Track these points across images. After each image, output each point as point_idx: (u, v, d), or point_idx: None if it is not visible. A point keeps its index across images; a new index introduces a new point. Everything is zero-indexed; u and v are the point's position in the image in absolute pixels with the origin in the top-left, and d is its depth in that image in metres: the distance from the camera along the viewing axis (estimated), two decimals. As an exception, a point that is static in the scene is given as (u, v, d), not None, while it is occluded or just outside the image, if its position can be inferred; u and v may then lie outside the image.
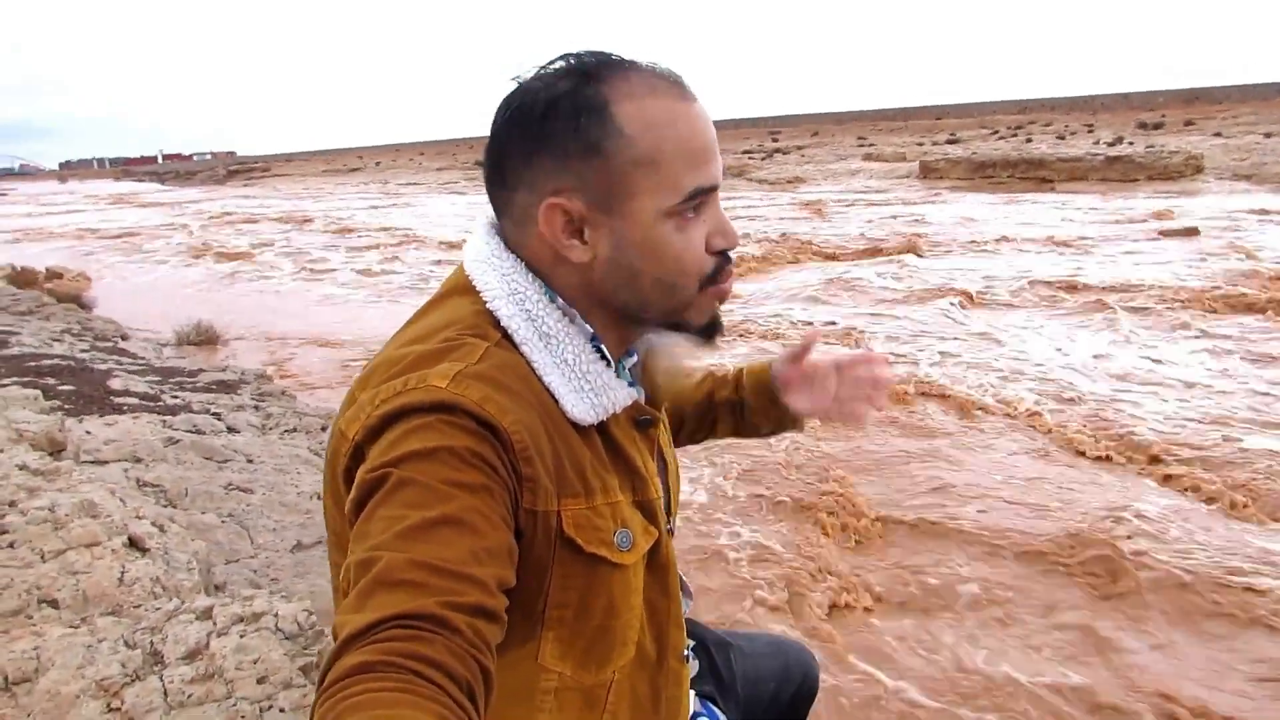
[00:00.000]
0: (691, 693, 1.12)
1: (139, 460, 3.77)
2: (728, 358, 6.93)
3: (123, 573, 1.70)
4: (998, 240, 12.89)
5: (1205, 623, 3.18)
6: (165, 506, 3.27)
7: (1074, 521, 3.90)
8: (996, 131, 46.04)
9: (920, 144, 39.39)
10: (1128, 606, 3.30)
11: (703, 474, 4.67)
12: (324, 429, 5.20)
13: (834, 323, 8.15)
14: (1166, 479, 4.41)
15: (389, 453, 0.76)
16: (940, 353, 6.94)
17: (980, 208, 17.49)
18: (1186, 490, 4.28)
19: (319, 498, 3.73)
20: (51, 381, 5.19)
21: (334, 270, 14.34)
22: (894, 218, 16.35)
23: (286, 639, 1.38)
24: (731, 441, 5.09)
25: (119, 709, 1.25)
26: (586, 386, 0.88)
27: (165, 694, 1.28)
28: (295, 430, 5.09)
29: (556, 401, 0.86)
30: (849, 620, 3.33)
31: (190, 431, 4.41)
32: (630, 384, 0.98)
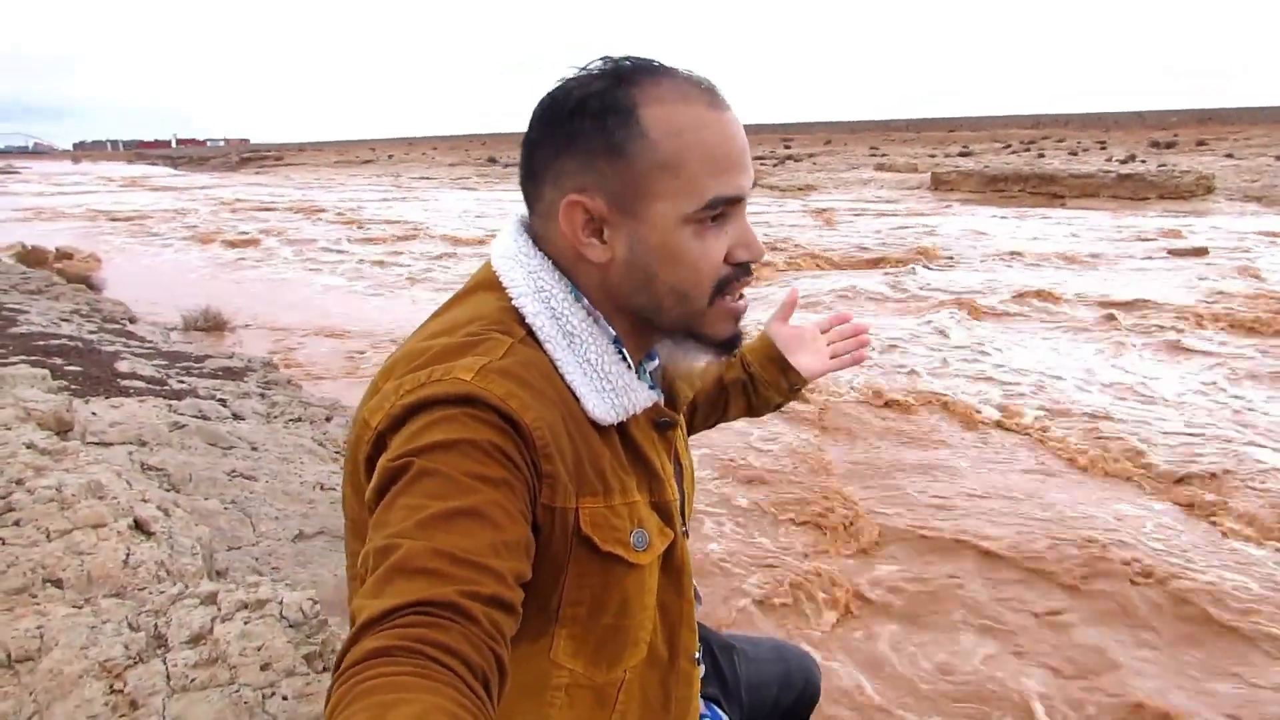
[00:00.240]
0: (696, 695, 1.13)
1: (144, 443, 3.78)
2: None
3: (128, 555, 1.71)
4: (1007, 254, 12.88)
5: (1202, 638, 3.17)
6: (168, 491, 3.27)
7: (1072, 534, 3.91)
8: (1009, 145, 45.97)
9: (933, 155, 39.36)
10: (1124, 618, 3.30)
11: (702, 480, 4.67)
12: (329, 419, 5.21)
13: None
14: (1167, 495, 4.42)
15: (412, 442, 0.77)
16: (944, 362, 6.94)
17: (990, 221, 17.46)
18: (1187, 506, 4.28)
19: (322, 488, 3.74)
20: (59, 361, 5.21)
21: (343, 261, 14.37)
22: (904, 228, 16.33)
23: (291, 627, 1.38)
24: (731, 446, 5.11)
25: (121, 690, 1.26)
26: (608, 387, 0.89)
27: (168, 677, 1.28)
28: (300, 420, 5.10)
29: (578, 400, 0.87)
30: (845, 627, 3.33)
31: (196, 417, 4.42)
32: (651, 387, 0.98)
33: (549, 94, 0.90)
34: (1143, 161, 28.38)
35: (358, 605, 0.68)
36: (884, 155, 41.33)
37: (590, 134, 0.86)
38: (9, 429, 2.54)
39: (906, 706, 2.86)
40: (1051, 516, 4.14)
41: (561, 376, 0.87)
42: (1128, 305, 8.97)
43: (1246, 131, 47.14)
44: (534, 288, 0.89)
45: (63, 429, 2.95)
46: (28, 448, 2.27)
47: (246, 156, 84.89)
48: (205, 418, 4.50)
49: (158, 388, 5.03)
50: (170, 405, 4.49)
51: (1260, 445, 5.00)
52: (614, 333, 0.92)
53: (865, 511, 4.25)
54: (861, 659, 3.11)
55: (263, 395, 5.58)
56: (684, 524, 1.03)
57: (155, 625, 1.41)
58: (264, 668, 1.27)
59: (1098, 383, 6.37)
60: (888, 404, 5.92)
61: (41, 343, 5.82)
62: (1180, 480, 4.55)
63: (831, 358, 1.31)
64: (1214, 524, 4.08)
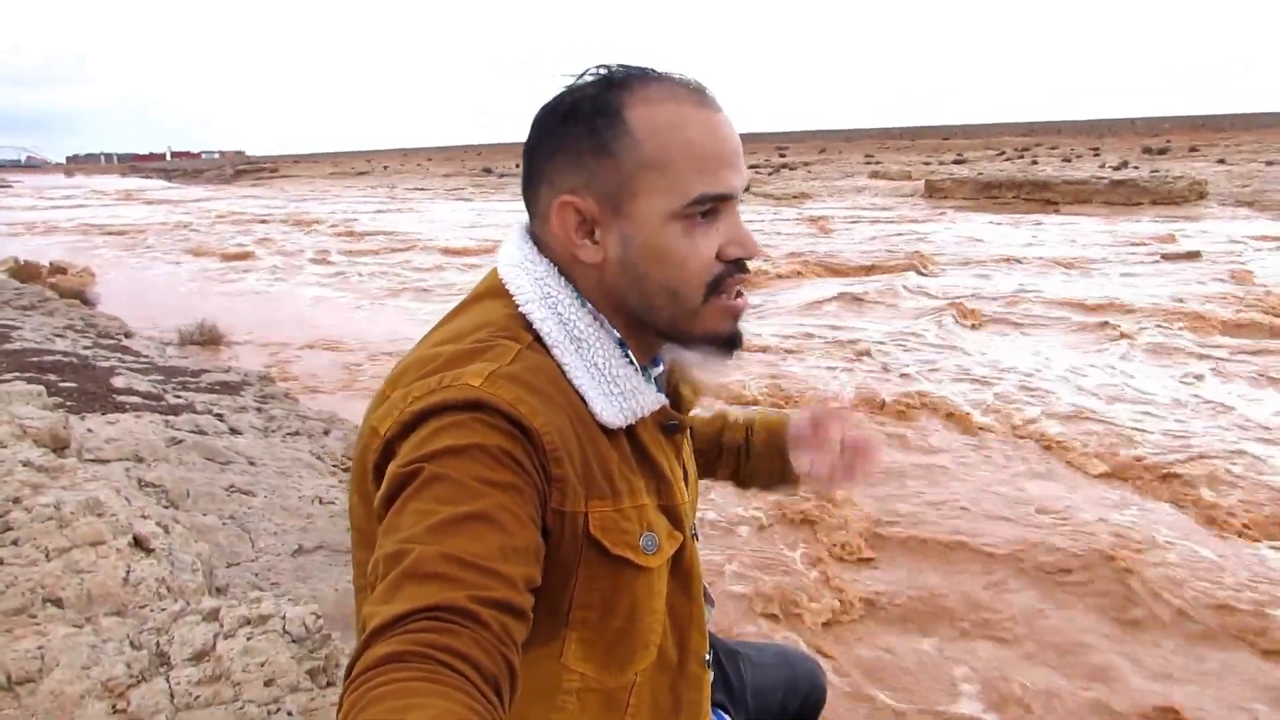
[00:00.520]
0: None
1: (141, 460, 3.76)
2: (737, 371, 6.93)
3: (128, 572, 1.70)
4: (1001, 260, 12.93)
5: (1209, 641, 3.17)
6: (167, 507, 3.26)
7: (1071, 535, 3.92)
8: (1003, 153, 46.20)
9: (927, 163, 39.52)
10: (1129, 622, 3.30)
11: (702, 484, 4.66)
12: (326, 433, 5.19)
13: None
14: (1164, 495, 4.44)
15: (421, 448, 0.77)
16: (940, 369, 6.95)
17: (984, 228, 17.53)
18: (1183, 505, 4.30)
19: (321, 502, 3.73)
20: (54, 378, 5.19)
21: (337, 273, 14.37)
22: (899, 235, 16.38)
23: (294, 642, 1.38)
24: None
25: (124, 710, 1.25)
26: (615, 390, 0.89)
27: (172, 695, 1.28)
28: (298, 434, 5.09)
29: (586, 404, 0.87)
30: (845, 633, 3.33)
31: (193, 432, 4.41)
32: (657, 390, 0.99)
33: (545, 102, 0.92)
34: (1135, 168, 28.55)
35: (369, 611, 0.68)
36: (878, 163, 41.49)
37: (580, 136, 0.88)
38: (5, 446, 2.53)
39: (908, 708, 2.85)
40: (1049, 518, 4.15)
41: (569, 381, 0.87)
42: (1121, 309, 9.01)
43: (1238, 137, 47.46)
44: (541, 294, 0.90)
45: (59, 446, 2.94)
46: (24, 465, 2.26)
47: (241, 169, 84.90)
48: (202, 433, 4.48)
49: (154, 403, 5.01)
50: (167, 421, 4.48)
51: (1255, 444, 5.02)
52: (618, 335, 0.92)
53: (863, 515, 4.25)
54: (862, 663, 3.11)
55: (260, 409, 5.57)
56: (692, 528, 1.03)
57: (157, 643, 1.40)
58: (268, 684, 1.26)
59: (1092, 385, 6.39)
60: (883, 409, 5.93)
61: (36, 359, 5.80)
62: (1176, 479, 4.56)
63: (836, 473, 1.21)
64: (1211, 523, 4.10)
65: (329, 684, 1.36)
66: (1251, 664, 3.04)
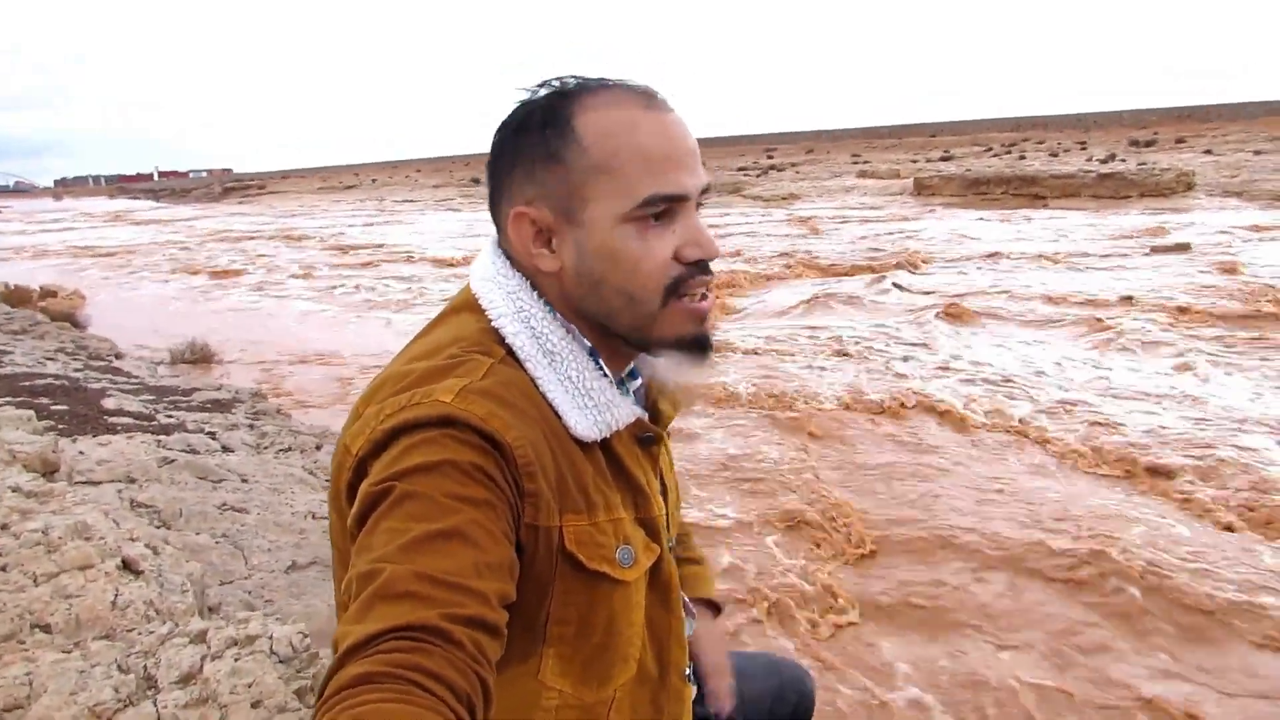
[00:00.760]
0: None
1: (133, 481, 3.75)
2: (731, 369, 6.94)
3: (116, 595, 1.69)
4: (990, 256, 12.96)
5: (1204, 637, 3.17)
6: (159, 528, 3.25)
7: (1067, 531, 3.92)
8: (990, 149, 46.36)
9: (915, 161, 39.63)
10: (1125, 617, 3.30)
11: (697, 489, 4.66)
12: (319, 448, 5.18)
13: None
14: (1158, 489, 4.43)
15: (393, 466, 0.77)
16: (933, 367, 6.96)
17: (974, 224, 17.57)
18: (1179, 499, 4.29)
19: (314, 517, 3.72)
20: (45, 401, 5.17)
21: (328, 288, 14.34)
22: (888, 234, 16.42)
23: (281, 662, 1.37)
24: (730, 454, 5.12)
25: (112, 735, 1.25)
26: (589, 403, 0.89)
27: (159, 719, 1.27)
28: (290, 449, 5.08)
29: (560, 418, 0.87)
30: (840, 635, 3.32)
31: (185, 451, 4.40)
32: (634, 403, 0.99)
33: (504, 118, 0.93)
34: (1123, 160, 28.66)
35: (341, 631, 0.68)
36: (866, 162, 41.60)
37: (533, 147, 0.89)
38: (-6, 472, 2.52)
39: (910, 712, 2.85)
40: (1044, 515, 4.15)
41: (543, 394, 0.88)
42: (1111, 303, 9.04)
43: (1225, 128, 47.69)
44: (513, 308, 0.90)
45: (49, 470, 2.93)
46: (13, 491, 2.25)
47: (230, 186, 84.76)
48: (194, 451, 4.47)
49: (145, 423, 5.00)
50: (159, 441, 4.47)
51: (1249, 437, 5.03)
52: (589, 344, 0.92)
53: (859, 517, 4.25)
54: (864, 666, 3.11)
55: (251, 426, 5.56)
56: (670, 540, 1.03)
57: (145, 666, 1.40)
58: (255, 705, 1.26)
59: (1084, 380, 6.41)
60: (876, 408, 5.93)
61: (27, 383, 5.78)
62: (1171, 473, 4.57)
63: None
64: (1207, 516, 4.10)
65: (319, 702, 1.36)
66: (1248, 657, 3.03)
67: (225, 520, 3.54)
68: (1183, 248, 12.35)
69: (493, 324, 0.90)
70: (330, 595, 2.83)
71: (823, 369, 7.10)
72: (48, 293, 13.01)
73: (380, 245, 20.63)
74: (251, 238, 25.71)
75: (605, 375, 0.93)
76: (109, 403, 5.45)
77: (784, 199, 27.93)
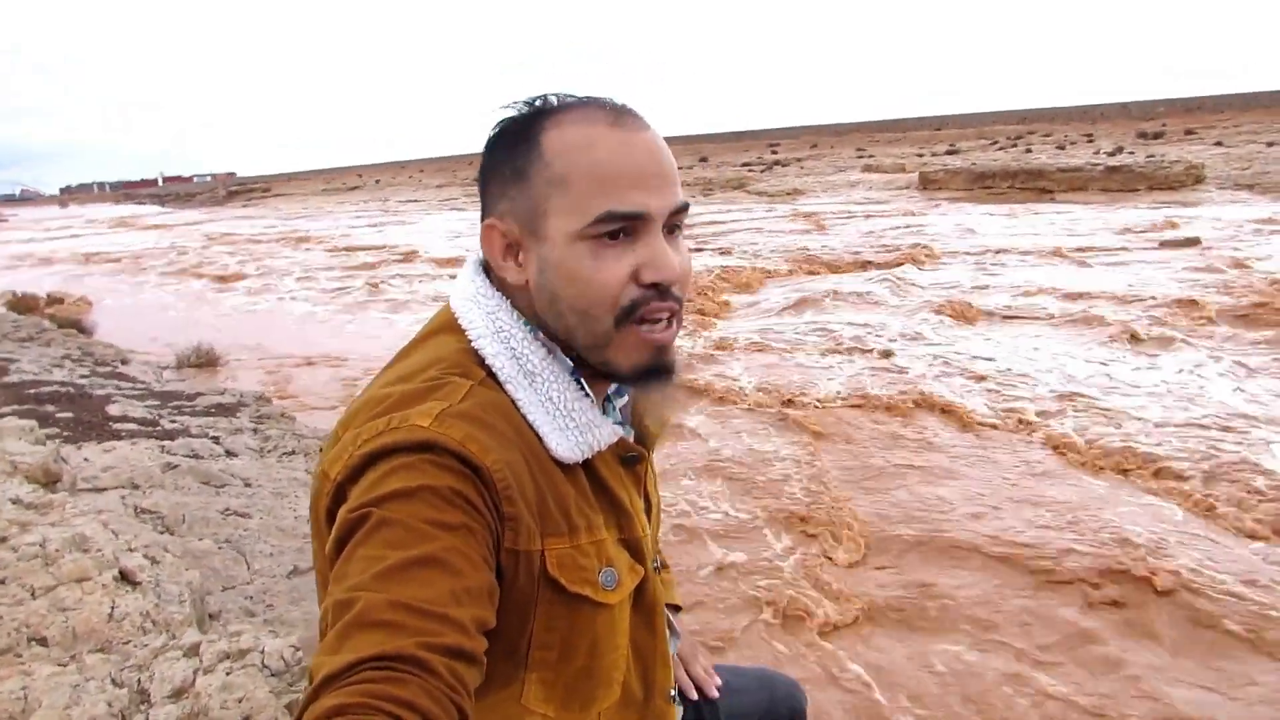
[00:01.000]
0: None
1: (136, 487, 3.76)
2: (735, 366, 6.92)
3: (112, 608, 1.69)
4: (997, 251, 12.90)
5: (1214, 642, 3.13)
6: (162, 534, 3.26)
7: (1075, 536, 3.88)
8: (996, 142, 46.15)
9: (920, 155, 39.50)
10: (1136, 624, 3.26)
11: (699, 487, 4.65)
12: (322, 451, 5.19)
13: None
14: (1167, 491, 4.38)
15: (370, 492, 0.76)
16: (939, 365, 6.92)
17: (980, 218, 17.51)
18: (1189, 501, 4.25)
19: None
20: (50, 409, 5.19)
21: (333, 289, 14.38)
22: (893, 229, 16.37)
23: (272, 675, 1.37)
24: (730, 455, 5.10)
25: (104, 751, 1.24)
26: (571, 424, 0.88)
27: (150, 735, 1.27)
28: (294, 453, 5.08)
29: (540, 440, 0.86)
30: (843, 637, 3.31)
31: (188, 456, 4.40)
32: (618, 422, 0.98)
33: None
34: (1131, 153, 28.51)
35: (317, 661, 0.67)
36: (871, 156, 41.49)
37: (504, 162, 0.89)
38: (-5, 483, 2.52)
39: (906, 714, 2.83)
40: (1052, 517, 4.12)
41: (524, 417, 0.87)
42: (1119, 299, 8.97)
43: (1236, 119, 47.28)
44: (493, 328, 0.90)
45: (50, 480, 2.93)
46: (13, 503, 2.25)
47: (234, 190, 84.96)
48: (198, 457, 4.48)
49: (150, 429, 5.01)
50: (163, 446, 4.48)
51: (1261, 438, 4.97)
52: (571, 364, 0.92)
53: (863, 517, 4.23)
54: (866, 669, 3.09)
55: (255, 430, 5.56)
56: (655, 560, 1.02)
57: (138, 680, 1.39)
58: (246, 720, 1.26)
59: (1089, 377, 6.37)
60: (883, 407, 5.91)
61: (34, 391, 5.80)
62: (1179, 475, 4.53)
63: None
64: (1219, 519, 4.05)
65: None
66: (1264, 668, 2.99)
67: (228, 525, 3.55)
68: (1192, 242, 12.25)
69: (472, 345, 0.89)
70: (330, 602, 2.83)
71: (826, 366, 7.08)
72: (54, 299, 13.07)
73: (385, 246, 20.67)
74: (256, 241, 25.80)
75: (587, 395, 0.92)
76: (114, 409, 5.46)
77: (788, 194, 27.88)
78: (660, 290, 0.87)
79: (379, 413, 0.83)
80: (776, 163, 43.44)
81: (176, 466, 4.11)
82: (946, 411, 5.77)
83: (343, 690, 0.63)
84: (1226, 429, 5.12)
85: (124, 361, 8.51)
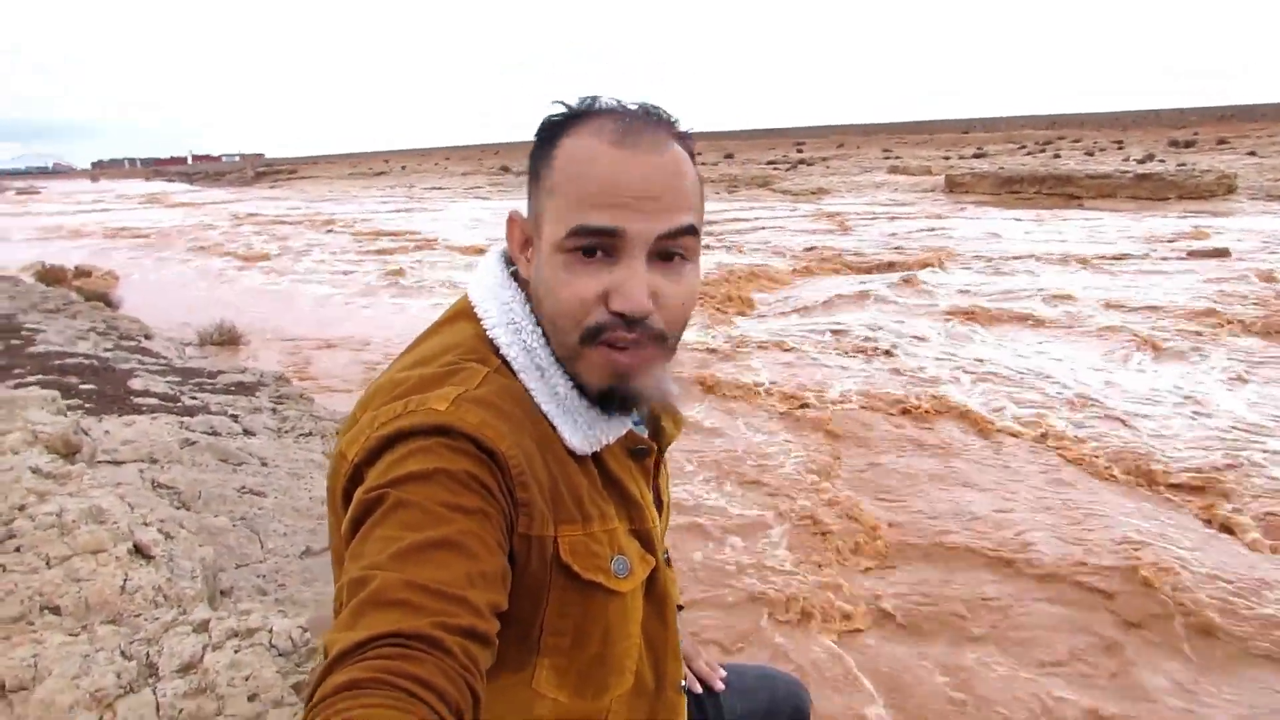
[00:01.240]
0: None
1: (154, 461, 3.80)
2: (755, 365, 6.90)
3: (125, 580, 1.71)
4: (1022, 257, 12.78)
5: (1236, 656, 3.10)
6: (178, 509, 3.28)
7: (1091, 545, 3.84)
8: (1024, 146, 45.72)
9: (946, 157, 39.20)
10: (1150, 635, 3.23)
11: (711, 489, 4.64)
12: (340, 433, 5.22)
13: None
14: (1187, 503, 4.34)
15: (387, 474, 0.77)
16: (957, 369, 6.88)
17: (1005, 223, 17.35)
18: (1207, 514, 4.21)
19: (330, 504, 3.75)
20: (74, 380, 5.25)
21: (356, 273, 14.46)
22: (918, 232, 16.26)
23: (280, 655, 1.37)
24: (746, 450, 5.08)
25: (111, 722, 1.25)
26: (579, 419, 0.89)
27: (158, 708, 1.28)
28: (311, 434, 5.11)
29: (554, 429, 0.87)
30: (855, 641, 3.29)
31: (207, 433, 4.44)
32: (636, 422, 0.99)
33: None
34: (1161, 161, 28.15)
35: (331, 637, 0.67)
36: (897, 158, 41.22)
37: (533, 160, 0.91)
38: (16, 453, 2.55)
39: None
40: (1067, 525, 4.09)
41: (537, 405, 0.87)
42: (1146, 309, 8.87)
43: (1270, 129, 46.52)
44: (507, 320, 0.91)
45: (70, 451, 2.96)
46: (33, 472, 2.28)
47: (261, 171, 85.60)
48: (216, 434, 4.52)
49: (170, 405, 5.05)
50: (182, 422, 4.52)
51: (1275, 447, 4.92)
52: None
53: (878, 521, 4.21)
54: (875, 675, 3.07)
55: (274, 410, 5.60)
56: (665, 553, 1.02)
57: (147, 654, 1.40)
58: (251, 698, 1.26)
59: (1114, 388, 6.30)
60: (900, 410, 5.87)
61: (58, 362, 5.87)
62: (1199, 488, 4.47)
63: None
64: (1236, 533, 4.01)
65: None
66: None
67: (244, 503, 3.57)
68: (1221, 253, 12.10)
69: (488, 333, 0.90)
70: (341, 583, 2.85)
71: (845, 367, 7.04)
72: (82, 272, 13.21)
73: (409, 232, 20.76)
74: (282, 222, 25.98)
75: (585, 396, 0.92)
76: (136, 383, 5.51)
77: (813, 193, 27.76)
78: (625, 319, 0.84)
79: (397, 396, 0.83)
80: (802, 161, 43.24)
81: (195, 443, 4.14)
82: (963, 416, 5.73)
83: (357, 665, 0.63)
84: (1248, 441, 5.05)
85: (148, 336, 8.59)
